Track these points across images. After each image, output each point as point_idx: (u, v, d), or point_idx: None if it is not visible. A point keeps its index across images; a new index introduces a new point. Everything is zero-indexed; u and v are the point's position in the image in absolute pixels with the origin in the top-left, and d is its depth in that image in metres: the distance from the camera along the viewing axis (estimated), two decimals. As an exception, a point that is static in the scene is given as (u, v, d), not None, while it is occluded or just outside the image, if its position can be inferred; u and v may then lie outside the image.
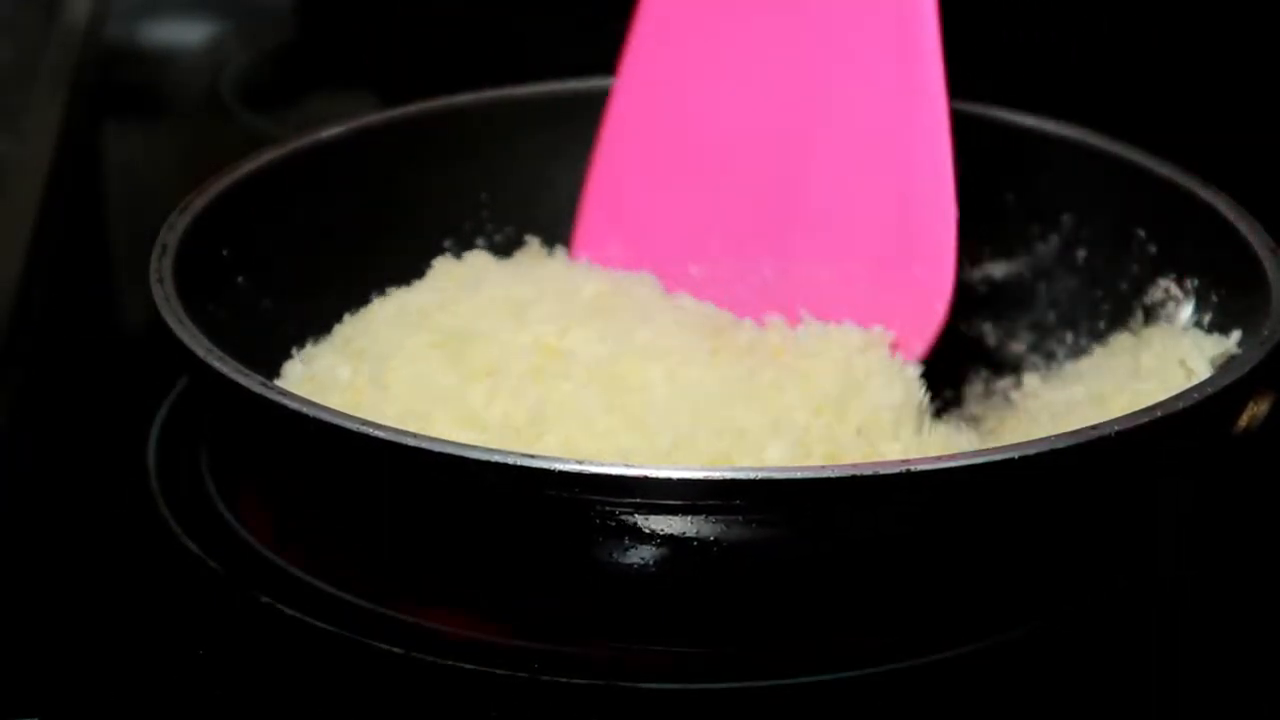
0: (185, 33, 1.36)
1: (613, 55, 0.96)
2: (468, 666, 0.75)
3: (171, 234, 0.86)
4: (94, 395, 0.92)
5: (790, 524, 0.73)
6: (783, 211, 0.90)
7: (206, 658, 0.76)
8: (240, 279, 0.89)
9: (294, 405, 0.74)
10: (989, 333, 0.98)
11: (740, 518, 0.72)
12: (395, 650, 0.75)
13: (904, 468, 0.71)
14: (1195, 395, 0.76)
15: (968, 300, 0.96)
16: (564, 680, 0.74)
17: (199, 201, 0.88)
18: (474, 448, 0.72)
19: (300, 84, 1.36)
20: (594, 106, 0.99)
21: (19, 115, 1.17)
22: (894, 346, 0.86)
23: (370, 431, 0.72)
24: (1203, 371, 0.84)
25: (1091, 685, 0.75)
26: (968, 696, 0.75)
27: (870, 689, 0.75)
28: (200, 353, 0.78)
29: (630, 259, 0.93)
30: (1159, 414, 0.74)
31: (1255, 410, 0.80)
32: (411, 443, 0.72)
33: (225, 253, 0.89)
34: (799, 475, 0.71)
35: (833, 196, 0.88)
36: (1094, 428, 0.73)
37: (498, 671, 0.75)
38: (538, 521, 0.73)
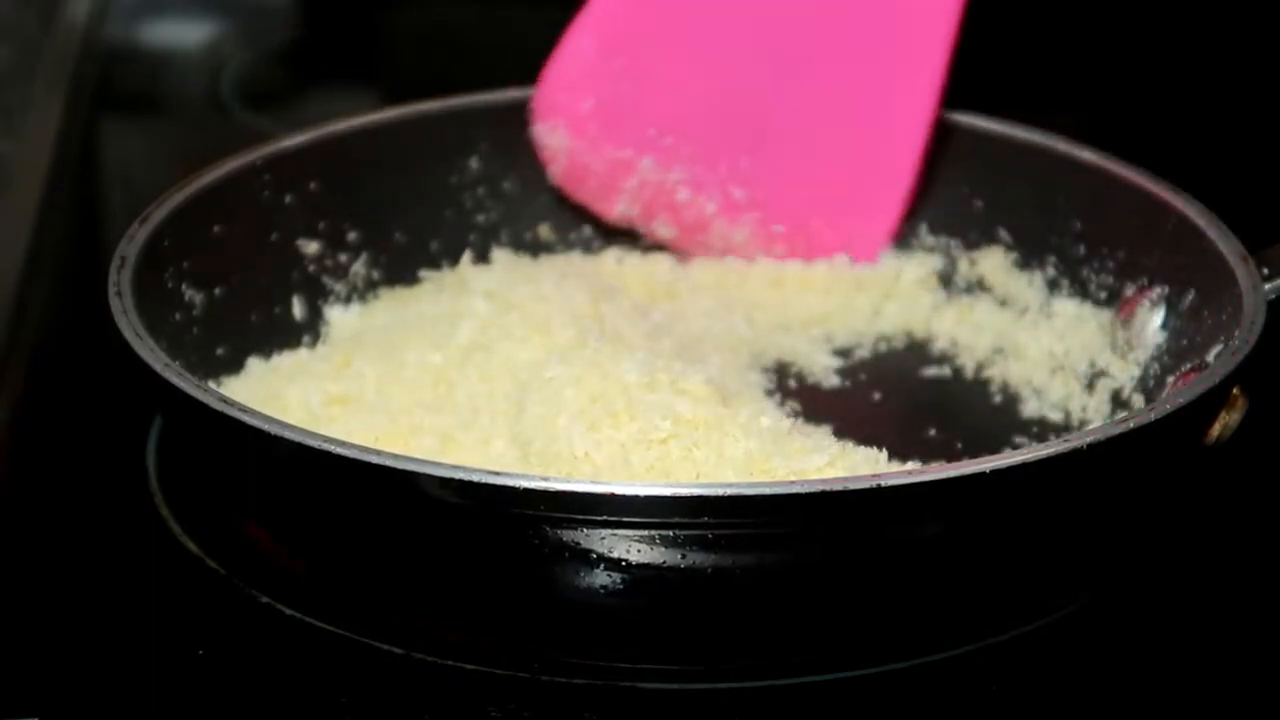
0: (185, 33, 1.36)
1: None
2: (468, 666, 0.75)
3: (131, 246, 0.85)
4: (94, 395, 0.92)
5: (751, 541, 0.73)
6: (758, 121, 0.92)
7: (206, 658, 0.76)
8: (202, 290, 0.89)
9: (252, 422, 0.74)
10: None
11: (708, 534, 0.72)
12: (395, 650, 0.75)
13: (875, 483, 0.71)
14: (1167, 406, 0.75)
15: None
16: (564, 680, 0.74)
17: (159, 213, 0.87)
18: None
19: (301, 84, 1.36)
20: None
21: (18, 115, 1.17)
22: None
23: (331, 449, 0.72)
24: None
25: (1089, 686, 0.75)
26: (968, 696, 0.75)
27: (870, 689, 0.75)
28: (158, 367, 0.77)
29: (597, 130, 0.92)
30: (1131, 425, 0.74)
31: (1227, 419, 0.80)
32: (374, 460, 0.72)
33: (186, 264, 0.88)
34: (767, 491, 0.71)
35: (810, 113, 0.92)
36: (1065, 439, 0.73)
37: (498, 671, 0.75)
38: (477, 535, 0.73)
